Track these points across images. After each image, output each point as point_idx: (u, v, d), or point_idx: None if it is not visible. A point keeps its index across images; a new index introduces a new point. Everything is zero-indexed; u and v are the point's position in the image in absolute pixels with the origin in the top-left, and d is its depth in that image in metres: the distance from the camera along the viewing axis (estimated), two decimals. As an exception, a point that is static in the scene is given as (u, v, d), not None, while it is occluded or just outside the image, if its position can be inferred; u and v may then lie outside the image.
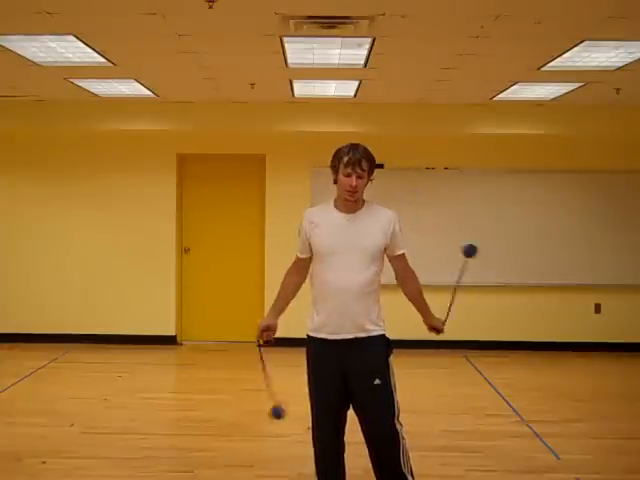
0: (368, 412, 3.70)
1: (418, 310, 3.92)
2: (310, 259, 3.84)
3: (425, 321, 3.93)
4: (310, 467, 3.97)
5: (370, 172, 3.74)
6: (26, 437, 5.47)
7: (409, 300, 3.90)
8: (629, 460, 5.15)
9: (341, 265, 3.67)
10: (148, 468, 4.85)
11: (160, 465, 4.93)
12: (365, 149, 3.73)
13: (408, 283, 3.86)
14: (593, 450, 5.37)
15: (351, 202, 3.73)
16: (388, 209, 3.82)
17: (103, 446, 5.29)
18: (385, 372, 3.70)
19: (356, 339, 3.68)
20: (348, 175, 3.67)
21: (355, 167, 3.65)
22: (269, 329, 3.89)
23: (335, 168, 3.74)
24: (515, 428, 5.86)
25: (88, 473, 4.78)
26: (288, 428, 5.63)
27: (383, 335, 3.76)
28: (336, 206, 3.79)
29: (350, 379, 3.69)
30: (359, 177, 3.67)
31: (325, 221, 3.77)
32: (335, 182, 3.77)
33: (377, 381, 3.66)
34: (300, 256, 3.87)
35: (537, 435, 5.63)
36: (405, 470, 3.68)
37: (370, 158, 3.72)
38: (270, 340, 3.85)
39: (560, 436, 5.63)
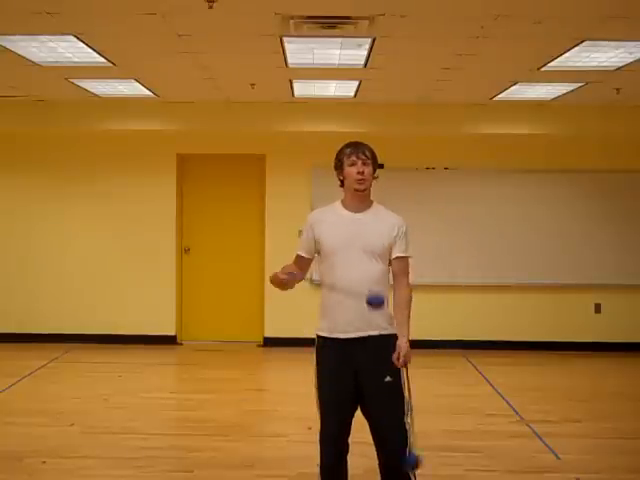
0: (377, 409, 3.69)
1: (397, 321, 3.70)
2: (311, 261, 3.83)
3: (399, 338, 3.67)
4: (310, 467, 3.97)
5: (374, 167, 3.76)
6: (26, 437, 5.47)
7: (394, 307, 3.73)
8: (629, 460, 5.15)
9: (348, 262, 3.66)
10: (148, 468, 4.85)
11: (160, 465, 4.93)
12: (366, 144, 3.79)
13: (395, 293, 3.74)
14: (593, 450, 5.36)
15: (361, 193, 3.72)
16: (397, 215, 3.81)
17: (103, 446, 5.29)
18: (396, 371, 3.67)
19: (368, 337, 3.66)
20: (353, 163, 3.70)
21: (359, 154, 3.70)
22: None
23: (340, 165, 3.76)
24: (515, 428, 5.85)
25: (88, 473, 4.77)
26: (288, 428, 5.64)
27: (395, 335, 3.71)
28: (343, 205, 3.79)
29: (361, 377, 3.68)
30: (365, 164, 3.70)
31: (332, 220, 3.77)
32: (341, 185, 3.78)
33: (388, 378, 3.64)
34: (302, 255, 3.82)
35: (537, 435, 5.63)
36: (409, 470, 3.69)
37: (372, 151, 3.77)
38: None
39: (560, 436, 5.63)
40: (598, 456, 5.22)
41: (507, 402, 6.60)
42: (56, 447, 5.23)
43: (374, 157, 3.76)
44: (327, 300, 3.74)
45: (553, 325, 9.07)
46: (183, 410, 6.55)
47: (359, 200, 3.75)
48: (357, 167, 3.69)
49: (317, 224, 3.78)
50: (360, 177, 3.69)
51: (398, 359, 3.62)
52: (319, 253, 3.80)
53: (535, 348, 8.93)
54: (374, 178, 3.78)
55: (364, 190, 3.72)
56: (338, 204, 3.81)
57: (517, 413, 6.25)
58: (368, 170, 3.71)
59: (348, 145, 3.77)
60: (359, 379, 3.69)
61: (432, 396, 6.84)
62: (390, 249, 3.72)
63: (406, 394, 3.69)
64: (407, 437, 3.66)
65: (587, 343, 8.96)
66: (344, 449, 3.78)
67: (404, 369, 3.69)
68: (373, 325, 3.67)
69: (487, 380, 7.47)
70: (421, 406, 6.31)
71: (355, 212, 3.75)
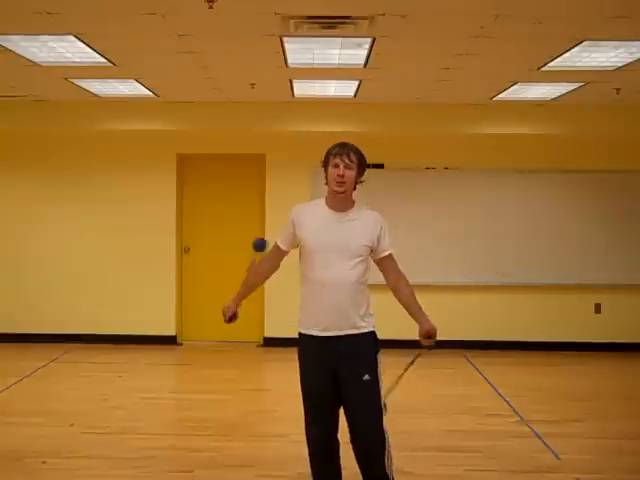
0: (356, 408, 3.73)
1: (411, 314, 3.82)
2: (286, 253, 3.89)
3: (420, 326, 3.81)
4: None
5: (360, 170, 3.77)
6: (26, 437, 5.47)
7: (402, 305, 3.83)
8: (629, 460, 5.15)
9: (330, 263, 3.69)
10: (148, 468, 4.85)
11: (160, 465, 4.93)
12: (354, 146, 3.79)
13: (400, 288, 3.81)
14: (593, 450, 5.36)
15: (340, 195, 3.74)
16: (373, 211, 3.85)
17: (103, 446, 5.29)
18: (374, 369, 3.73)
19: (347, 336, 3.71)
20: (336, 165, 3.72)
21: (343, 157, 3.72)
22: (235, 316, 4.11)
23: (325, 164, 3.79)
24: (515, 428, 5.85)
25: (88, 473, 4.77)
26: (288, 428, 5.64)
27: (372, 332, 3.78)
28: (327, 204, 3.82)
29: (340, 375, 3.72)
30: (347, 167, 3.71)
31: (314, 218, 3.80)
32: (326, 182, 3.80)
33: (366, 377, 3.70)
34: (280, 246, 3.90)
35: (537, 435, 5.63)
36: (388, 470, 3.72)
37: (359, 153, 3.77)
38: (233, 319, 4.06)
39: (560, 436, 5.63)
40: (598, 456, 5.22)
41: (507, 402, 6.60)
42: (56, 447, 5.23)
43: (361, 161, 3.77)
44: (306, 297, 3.80)
45: (553, 325, 9.06)
46: (183, 410, 6.55)
47: (338, 201, 3.78)
48: (338, 170, 3.71)
49: (298, 220, 3.81)
50: (339, 180, 3.71)
51: (429, 338, 3.79)
52: (300, 251, 3.84)
53: (535, 348, 8.92)
54: (359, 182, 3.80)
55: (342, 192, 3.74)
56: (322, 201, 3.84)
57: (517, 413, 6.25)
58: (349, 173, 3.72)
59: (336, 145, 3.78)
60: (338, 378, 3.73)
61: (432, 396, 6.85)
62: (372, 249, 3.75)
63: (382, 392, 3.74)
64: (384, 437, 3.70)
65: (587, 343, 8.96)
66: (333, 444, 3.82)
67: (380, 367, 3.76)
68: (352, 324, 3.72)
69: (487, 380, 7.47)
70: (421, 406, 6.36)
71: (337, 211, 3.78)
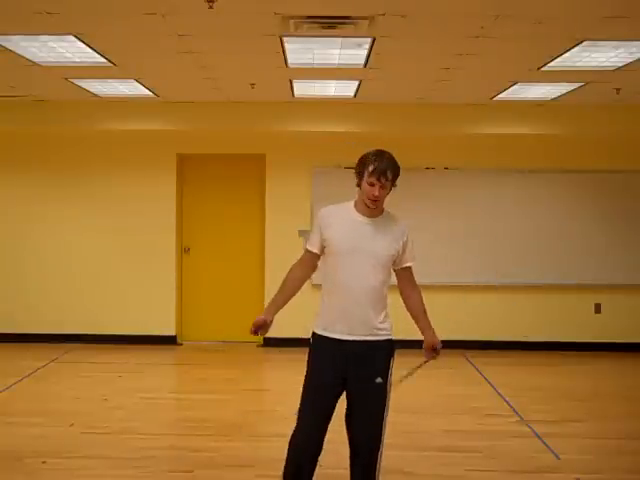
0: (361, 411, 3.72)
1: (418, 326, 3.91)
2: (318, 257, 3.84)
3: (426, 339, 3.90)
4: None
5: (394, 180, 3.72)
6: (26, 437, 5.47)
7: (411, 316, 3.90)
8: (629, 460, 5.15)
9: (353, 267, 3.67)
10: (148, 468, 4.85)
11: (160, 465, 4.93)
12: (391, 158, 3.68)
13: (412, 299, 3.87)
14: (593, 450, 5.36)
15: (372, 209, 3.73)
16: (402, 220, 3.82)
17: (103, 446, 5.29)
18: (385, 375, 3.74)
19: (364, 341, 3.70)
20: (372, 184, 3.64)
21: (380, 177, 3.62)
22: (265, 325, 4.01)
23: (360, 174, 3.71)
24: (515, 428, 5.86)
25: (88, 473, 4.77)
26: (288, 428, 5.62)
27: (389, 340, 3.77)
28: (357, 208, 3.78)
29: (350, 377, 3.71)
30: (382, 187, 3.65)
31: (343, 220, 3.76)
32: (358, 186, 3.74)
33: (379, 379, 3.70)
34: (310, 249, 3.83)
35: (537, 435, 5.63)
36: (377, 474, 3.75)
37: (395, 167, 3.68)
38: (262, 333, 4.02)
39: (560, 436, 5.63)
40: (598, 456, 5.23)
41: (507, 402, 6.60)
42: (56, 447, 5.24)
43: (395, 173, 3.68)
44: (326, 299, 3.78)
45: (553, 325, 9.07)
46: (183, 410, 6.55)
47: (370, 211, 3.74)
48: (374, 190, 3.63)
49: (327, 222, 3.77)
50: (373, 199, 3.66)
51: (435, 351, 3.87)
52: (325, 253, 3.81)
53: (535, 348, 8.92)
54: (392, 187, 3.73)
55: (375, 208, 3.71)
56: (351, 205, 3.79)
57: (517, 413, 6.25)
58: (384, 192, 3.66)
59: (374, 158, 3.66)
60: (348, 382, 3.72)
61: (432, 396, 6.85)
62: (395, 258, 3.75)
63: (388, 396, 3.76)
64: (380, 443, 3.72)
65: (587, 343, 8.96)
66: (319, 448, 3.81)
67: (391, 376, 3.77)
68: (369, 330, 3.71)
69: (487, 380, 7.47)
70: (421, 406, 6.36)
71: (366, 216, 3.74)
